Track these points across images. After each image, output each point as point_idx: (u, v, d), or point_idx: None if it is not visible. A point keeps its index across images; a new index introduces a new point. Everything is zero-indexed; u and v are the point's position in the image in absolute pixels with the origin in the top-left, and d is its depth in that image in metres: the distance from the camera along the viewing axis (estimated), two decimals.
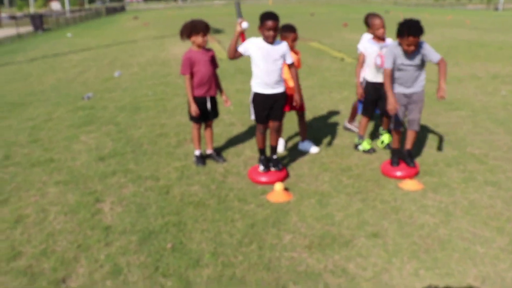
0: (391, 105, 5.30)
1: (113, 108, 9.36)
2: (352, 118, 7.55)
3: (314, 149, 6.64)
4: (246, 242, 4.25)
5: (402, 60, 5.37)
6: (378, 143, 6.80)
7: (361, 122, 6.56)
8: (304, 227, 4.51)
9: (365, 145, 6.51)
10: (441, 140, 6.73)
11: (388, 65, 5.39)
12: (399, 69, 5.43)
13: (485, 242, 4.20)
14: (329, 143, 6.95)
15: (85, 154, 6.63)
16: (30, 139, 7.41)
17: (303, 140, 6.73)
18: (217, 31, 27.36)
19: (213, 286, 3.63)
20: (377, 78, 6.19)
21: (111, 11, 72.01)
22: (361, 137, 6.56)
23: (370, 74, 6.32)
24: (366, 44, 6.28)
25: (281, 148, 6.54)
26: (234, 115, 8.44)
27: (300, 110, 6.55)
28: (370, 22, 6.17)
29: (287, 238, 4.32)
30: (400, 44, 5.27)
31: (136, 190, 5.34)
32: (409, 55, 5.32)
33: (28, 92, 11.30)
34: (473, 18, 37.65)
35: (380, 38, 6.16)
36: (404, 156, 5.82)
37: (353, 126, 7.51)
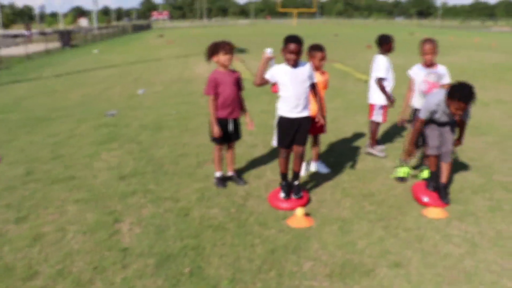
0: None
1: (136, 126, 9.37)
2: (373, 142, 7.41)
3: (325, 170, 6.55)
4: (266, 268, 4.14)
5: (440, 115, 5.32)
6: (419, 174, 6.48)
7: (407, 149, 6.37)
8: (325, 255, 4.38)
9: (402, 171, 6.29)
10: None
11: (422, 116, 5.34)
12: (434, 118, 5.38)
13: None
14: (352, 167, 6.82)
15: (106, 172, 6.61)
16: (52, 155, 7.43)
17: (315, 160, 6.65)
18: (241, 51, 27.48)
19: None
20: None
21: (137, 29, 73.23)
22: (403, 162, 6.33)
23: (416, 101, 6.22)
24: (415, 69, 6.21)
25: (303, 172, 6.44)
26: (257, 136, 8.37)
27: (321, 133, 6.46)
28: (421, 47, 6.06)
29: (307, 266, 4.19)
30: (447, 104, 5.12)
31: (155, 211, 5.28)
32: (450, 115, 5.23)
33: (53, 107, 11.42)
34: (499, 41, 37.27)
35: (428, 64, 6.06)
36: (440, 188, 5.61)
37: (374, 151, 7.37)
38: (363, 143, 8.05)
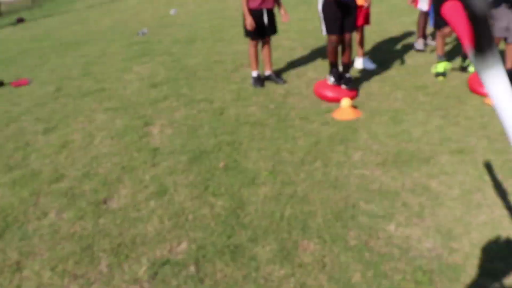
0: None
1: (168, 41, 8.87)
2: (421, 35, 6.68)
3: (372, 66, 5.96)
4: (309, 159, 3.69)
5: None
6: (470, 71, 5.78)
7: (438, 40, 5.69)
8: (376, 145, 3.89)
9: (440, 66, 5.58)
10: None
11: None
12: None
13: None
14: (401, 63, 6.17)
15: (137, 82, 6.22)
16: (83, 72, 7.08)
17: (361, 56, 6.04)
18: None
19: (270, 205, 3.11)
20: None
21: None
22: (440, 57, 5.66)
23: None
24: None
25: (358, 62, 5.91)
26: (295, 41, 7.74)
27: (366, 24, 5.83)
28: None
29: (356, 156, 3.72)
30: None
31: (188, 113, 4.86)
32: None
33: (84, 33, 11.04)
34: None
35: None
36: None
37: (420, 44, 6.65)
38: (411, 41, 7.32)
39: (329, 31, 4.80)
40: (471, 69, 5.50)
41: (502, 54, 5.03)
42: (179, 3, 14.13)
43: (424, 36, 6.71)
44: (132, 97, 5.61)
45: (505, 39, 4.86)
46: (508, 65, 4.92)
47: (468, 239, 2.70)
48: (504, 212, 2.93)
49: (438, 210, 2.98)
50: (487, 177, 3.32)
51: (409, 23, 8.60)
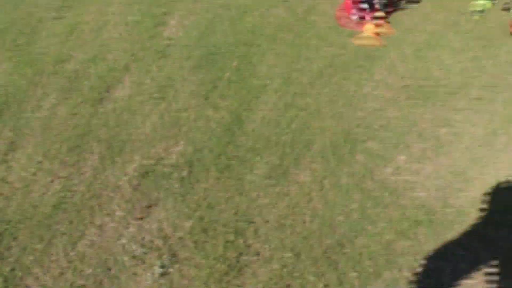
0: None
1: None
2: None
3: None
4: (329, 72, 3.43)
5: None
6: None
7: None
8: (402, 67, 3.59)
9: (480, 3, 4.99)
10: None
11: None
12: None
13: None
14: None
15: None
16: None
17: None
18: None
19: (278, 114, 2.92)
20: None
21: None
22: None
23: None
24: None
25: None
26: None
27: None
28: None
29: (379, 75, 3.45)
30: None
31: (210, 6, 4.52)
32: None
33: None
34: None
35: None
36: None
37: None
38: None
39: None
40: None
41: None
42: None
43: None
44: None
45: None
46: None
47: (481, 183, 2.50)
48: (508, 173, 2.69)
49: (456, 147, 2.76)
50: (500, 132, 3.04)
51: None
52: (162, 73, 3.33)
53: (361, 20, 4.38)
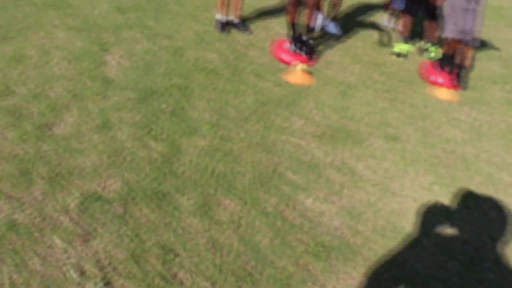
0: None
1: None
2: (389, 12, 6.77)
3: (338, 32, 6.07)
4: (253, 119, 3.87)
5: None
6: (425, 56, 5.92)
7: (405, 21, 5.83)
8: (319, 116, 4.09)
9: (401, 47, 5.73)
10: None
11: None
12: None
13: None
14: (369, 35, 6.30)
15: (106, 4, 6.14)
16: None
17: (331, 19, 6.13)
18: None
19: (205, 158, 3.31)
20: None
21: None
22: (405, 38, 5.81)
23: None
24: None
25: (317, 24, 5.91)
26: None
27: None
28: None
29: (298, 124, 3.92)
30: None
31: (149, 48, 4.92)
32: None
33: None
34: None
35: None
36: (458, 71, 5.10)
37: (386, 20, 6.75)
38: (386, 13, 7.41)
39: None
40: (432, 54, 5.68)
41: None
42: None
43: (392, 14, 6.79)
44: (98, 19, 5.58)
45: (462, 41, 4.99)
46: (467, 63, 5.13)
47: (373, 224, 2.98)
48: (414, 204, 3.21)
49: (356, 192, 3.24)
50: (410, 168, 3.59)
51: None
52: (102, 115, 3.63)
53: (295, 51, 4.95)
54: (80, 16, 5.61)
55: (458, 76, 5.06)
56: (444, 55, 5.18)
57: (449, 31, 4.94)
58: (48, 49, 4.66)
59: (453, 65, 5.09)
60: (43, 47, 4.69)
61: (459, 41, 4.95)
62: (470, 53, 5.10)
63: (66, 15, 5.57)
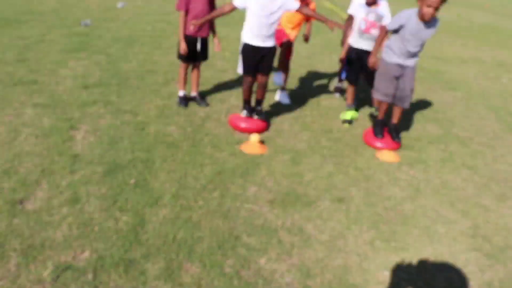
0: (372, 59, 5.34)
1: (109, 38, 9.18)
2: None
3: (287, 101, 6.67)
4: (210, 188, 4.23)
5: (407, 35, 5.12)
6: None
7: (348, 90, 6.44)
8: (271, 182, 4.49)
9: (347, 114, 6.32)
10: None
11: (390, 27, 5.21)
12: (404, 39, 5.20)
13: (447, 223, 4.21)
14: (317, 103, 6.86)
15: (70, 80, 6.54)
16: (17, 58, 7.28)
17: (280, 89, 6.76)
18: None
19: (167, 226, 3.62)
20: (359, 43, 6.03)
21: None
22: (349, 106, 6.41)
23: (353, 39, 6.14)
24: (356, 6, 6.08)
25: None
26: (229, 62, 8.29)
27: (289, 58, 6.50)
28: None
29: (251, 190, 4.30)
30: (419, 10, 4.95)
31: (113, 123, 5.29)
32: (425, 24, 5.07)
33: (26, 10, 11.05)
34: (494, 2, 36.77)
35: (371, 3, 5.93)
36: (390, 129, 5.72)
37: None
38: (334, 81, 8.06)
39: (245, 72, 5.38)
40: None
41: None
42: None
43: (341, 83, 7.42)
44: (63, 95, 5.94)
45: (391, 103, 5.63)
46: (395, 121, 5.70)
47: (321, 279, 3.33)
48: (357, 259, 3.59)
49: (305, 251, 3.60)
50: (354, 226, 3.99)
51: (338, 61, 9.36)
52: (70, 189, 3.92)
53: (250, 116, 5.42)
54: (46, 92, 5.96)
55: (391, 134, 5.63)
56: (375, 120, 5.77)
57: (377, 94, 5.55)
58: (16, 125, 4.96)
59: (383, 126, 5.73)
60: (11, 124, 5.00)
61: (386, 103, 5.56)
62: (398, 112, 5.68)
63: (32, 92, 5.92)
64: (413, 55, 5.27)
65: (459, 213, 4.38)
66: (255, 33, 5.09)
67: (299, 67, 8.52)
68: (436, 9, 4.82)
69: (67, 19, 10.57)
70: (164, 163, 4.54)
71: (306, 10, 5.20)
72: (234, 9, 5.09)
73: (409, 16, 5.04)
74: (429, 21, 4.99)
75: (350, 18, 6.19)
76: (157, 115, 5.65)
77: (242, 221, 3.83)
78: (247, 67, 5.33)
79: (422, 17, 4.94)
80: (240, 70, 5.44)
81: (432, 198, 4.59)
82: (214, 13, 5.24)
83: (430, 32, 5.08)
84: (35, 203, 3.73)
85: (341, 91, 7.37)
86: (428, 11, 4.84)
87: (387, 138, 5.64)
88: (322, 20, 5.16)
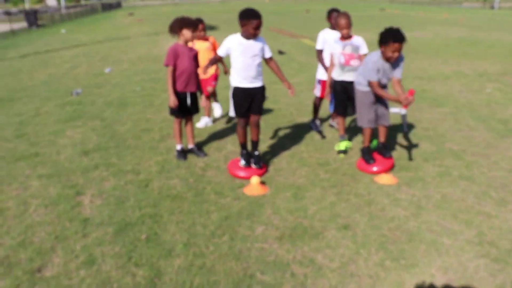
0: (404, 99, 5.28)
1: (101, 103, 9.45)
2: (314, 115, 7.59)
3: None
4: (219, 233, 4.36)
5: (381, 74, 5.49)
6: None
7: (338, 122, 6.65)
8: (277, 219, 4.62)
9: (341, 145, 6.51)
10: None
11: (372, 78, 5.47)
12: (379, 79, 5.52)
13: (452, 234, 4.32)
14: (311, 139, 7.05)
15: (70, 148, 6.73)
16: (16, 134, 7.49)
17: None
18: (212, 28, 27.42)
19: (183, 275, 3.73)
20: (343, 76, 6.27)
21: (107, 8, 71.42)
22: (342, 137, 6.60)
23: (335, 73, 6.38)
24: (332, 44, 6.38)
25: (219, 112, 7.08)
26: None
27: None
28: (336, 22, 6.23)
29: (259, 230, 4.43)
30: (383, 54, 5.35)
31: (117, 184, 5.44)
32: (391, 64, 5.41)
33: (18, 87, 11.36)
34: (468, 16, 37.73)
35: (345, 37, 6.24)
36: (379, 149, 5.94)
37: (315, 125, 7.59)
38: (324, 116, 8.28)
39: (238, 114, 5.60)
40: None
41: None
42: (114, 61, 14.67)
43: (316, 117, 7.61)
44: (65, 163, 6.12)
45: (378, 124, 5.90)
46: (382, 139, 5.92)
47: None
48: (369, 281, 3.69)
49: (319, 280, 3.71)
50: (362, 250, 4.11)
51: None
52: (85, 251, 4.05)
53: (248, 165, 5.59)
54: (48, 163, 6.14)
55: (381, 153, 5.83)
56: (362, 149, 5.97)
57: (362, 122, 5.79)
58: (24, 198, 5.11)
59: (371, 152, 5.96)
60: (19, 197, 5.15)
61: (370, 129, 5.84)
62: (383, 131, 5.93)
63: (36, 164, 6.09)
64: (384, 86, 5.58)
65: (462, 223, 4.51)
66: (243, 75, 5.35)
67: (287, 106, 8.77)
68: (400, 51, 5.22)
69: (59, 90, 10.86)
70: (172, 216, 4.68)
71: (273, 64, 5.61)
72: (221, 57, 5.53)
73: (377, 60, 5.42)
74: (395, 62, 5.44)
75: (320, 53, 6.83)
76: (158, 170, 5.82)
77: (254, 260, 3.95)
78: (239, 109, 5.55)
79: (388, 60, 5.32)
80: (232, 113, 5.65)
81: (434, 213, 4.72)
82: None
83: (398, 70, 5.53)
84: (53, 269, 3.84)
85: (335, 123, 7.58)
86: (394, 55, 5.28)
87: (379, 159, 5.82)
88: (281, 79, 5.68)
